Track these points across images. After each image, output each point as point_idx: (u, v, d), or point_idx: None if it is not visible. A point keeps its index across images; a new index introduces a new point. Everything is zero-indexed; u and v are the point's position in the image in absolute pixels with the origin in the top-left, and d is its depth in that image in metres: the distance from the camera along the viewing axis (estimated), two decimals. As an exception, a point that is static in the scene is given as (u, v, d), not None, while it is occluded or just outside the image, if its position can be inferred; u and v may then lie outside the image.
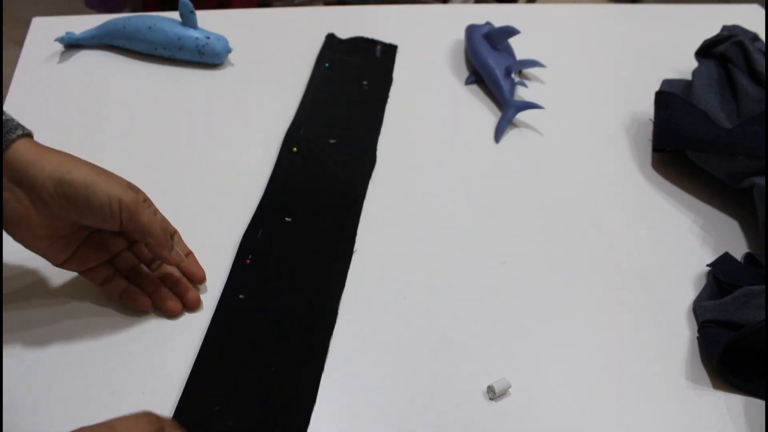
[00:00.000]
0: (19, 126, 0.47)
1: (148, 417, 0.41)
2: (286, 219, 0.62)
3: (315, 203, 0.64)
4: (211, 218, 0.63)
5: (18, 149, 0.46)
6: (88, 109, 0.73)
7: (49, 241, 0.48)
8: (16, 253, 0.53)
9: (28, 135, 0.48)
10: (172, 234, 0.53)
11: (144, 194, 0.51)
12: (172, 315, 0.54)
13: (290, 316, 0.55)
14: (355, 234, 0.62)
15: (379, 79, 0.81)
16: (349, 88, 0.79)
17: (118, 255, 0.54)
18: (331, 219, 0.63)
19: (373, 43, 0.86)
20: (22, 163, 0.45)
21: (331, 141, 0.71)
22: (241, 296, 0.56)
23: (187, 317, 0.55)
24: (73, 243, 0.50)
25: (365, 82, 0.80)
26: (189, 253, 0.55)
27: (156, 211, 0.52)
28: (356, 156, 0.70)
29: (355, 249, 0.61)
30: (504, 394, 0.52)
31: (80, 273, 0.52)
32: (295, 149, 0.70)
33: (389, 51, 0.86)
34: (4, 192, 0.46)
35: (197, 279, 0.55)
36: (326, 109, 0.76)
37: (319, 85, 0.79)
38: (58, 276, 0.56)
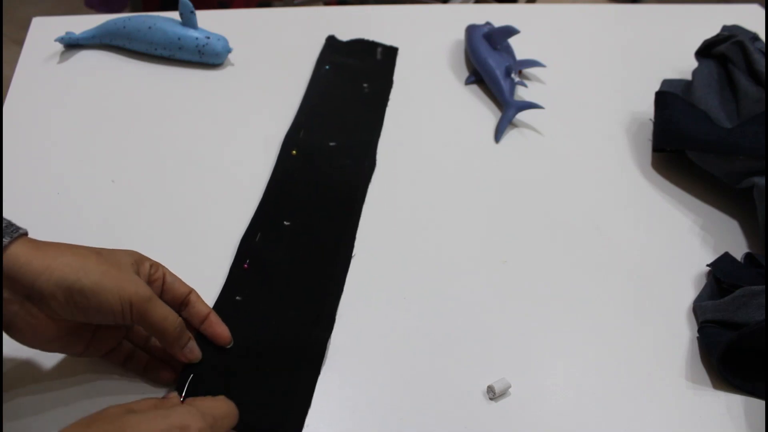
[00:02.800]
0: (7, 229, 0.43)
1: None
2: (285, 223, 0.62)
3: (314, 207, 0.64)
4: (209, 220, 0.63)
5: (16, 258, 0.43)
6: (87, 109, 0.73)
7: (62, 341, 0.47)
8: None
9: (22, 235, 0.44)
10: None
11: (151, 262, 0.49)
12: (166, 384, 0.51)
13: (287, 320, 0.54)
14: (354, 238, 0.62)
15: (380, 81, 0.81)
16: (350, 91, 0.79)
17: (131, 327, 0.51)
18: (331, 223, 0.63)
19: (373, 45, 0.86)
20: (26, 274, 0.43)
21: (331, 144, 0.71)
22: (237, 298, 0.55)
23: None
24: (87, 333, 0.48)
25: (365, 85, 0.80)
26: (209, 313, 0.51)
27: (166, 275, 0.50)
28: (356, 159, 0.70)
29: (353, 254, 0.61)
30: (504, 394, 0.52)
31: (101, 357, 0.50)
32: (294, 152, 0.69)
33: (390, 53, 0.86)
34: (14, 306, 0.44)
35: (221, 341, 0.51)
36: (326, 111, 0.76)
37: (319, 88, 0.79)
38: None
